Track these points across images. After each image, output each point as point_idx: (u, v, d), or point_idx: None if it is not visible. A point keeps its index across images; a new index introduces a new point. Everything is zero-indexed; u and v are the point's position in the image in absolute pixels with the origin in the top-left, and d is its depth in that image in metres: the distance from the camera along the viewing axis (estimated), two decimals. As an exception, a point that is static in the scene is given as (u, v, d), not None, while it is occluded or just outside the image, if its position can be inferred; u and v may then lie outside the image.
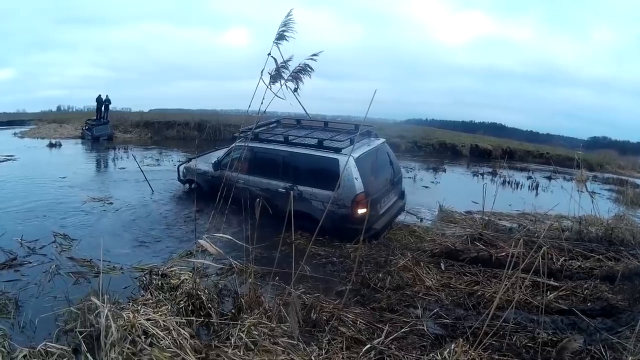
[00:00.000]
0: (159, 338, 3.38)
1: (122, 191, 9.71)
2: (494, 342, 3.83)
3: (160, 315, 3.71)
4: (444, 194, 9.63)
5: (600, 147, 28.71)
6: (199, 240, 3.86)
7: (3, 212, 7.80)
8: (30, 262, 5.65)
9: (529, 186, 13.55)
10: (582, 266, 5.75)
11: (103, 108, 21.41)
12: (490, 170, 16.04)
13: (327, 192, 6.37)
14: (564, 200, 7.65)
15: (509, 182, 13.62)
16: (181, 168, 9.40)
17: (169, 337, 3.42)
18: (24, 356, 3.30)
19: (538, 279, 4.87)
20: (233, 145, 7.29)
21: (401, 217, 7.92)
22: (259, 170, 7.25)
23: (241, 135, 6.93)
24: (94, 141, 19.04)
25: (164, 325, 3.55)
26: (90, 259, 5.64)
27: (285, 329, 3.77)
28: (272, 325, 3.81)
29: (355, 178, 6.34)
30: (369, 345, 3.71)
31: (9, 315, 4.27)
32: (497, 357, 3.67)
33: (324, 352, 3.62)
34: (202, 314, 4.10)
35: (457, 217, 8.56)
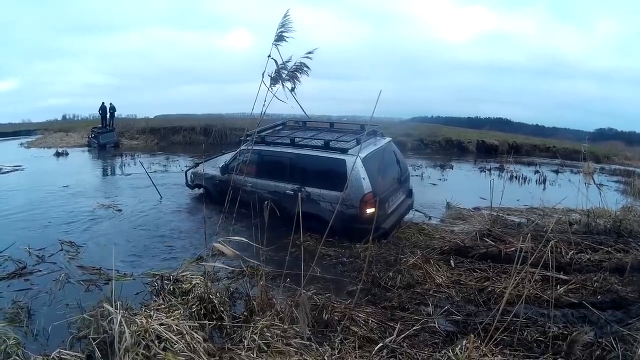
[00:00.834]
0: (172, 342, 3.39)
1: (130, 198, 9.79)
2: (505, 337, 3.83)
3: (173, 319, 3.73)
4: (451, 191, 9.64)
5: (607, 138, 28.64)
6: (214, 244, 3.86)
7: (12, 222, 7.90)
8: (40, 271, 5.70)
9: (536, 180, 13.51)
10: (591, 259, 5.73)
11: (108, 115, 21.56)
12: (497, 165, 16.02)
13: (335, 192, 6.39)
14: (572, 193, 7.62)
15: (516, 177, 13.61)
16: (189, 173, 9.46)
17: (183, 341, 3.44)
18: (38, 364, 3.33)
19: (547, 273, 4.87)
20: (240, 149, 7.32)
21: (410, 216, 7.92)
22: (266, 173, 7.28)
23: (247, 138, 6.97)
24: (101, 149, 19.18)
25: (177, 329, 3.56)
26: (100, 267, 5.68)
27: (298, 330, 3.77)
28: (284, 326, 3.82)
29: (363, 178, 6.34)
30: (381, 344, 3.72)
31: (21, 324, 4.30)
32: (508, 352, 3.66)
33: (336, 352, 3.63)
34: (214, 317, 4.11)
35: (466, 213, 8.56)
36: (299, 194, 6.15)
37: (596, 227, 6.83)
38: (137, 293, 4.92)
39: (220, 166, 8.07)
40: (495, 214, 7.77)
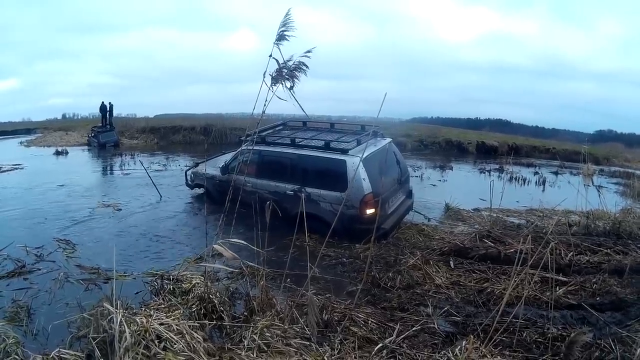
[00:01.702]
0: (172, 342, 3.39)
1: (130, 197, 9.78)
2: (504, 338, 3.84)
3: (173, 319, 3.73)
4: (451, 192, 9.62)
5: (606, 140, 28.67)
6: (214, 245, 3.87)
7: (12, 220, 7.92)
8: (39, 270, 5.71)
9: (535, 182, 13.51)
10: (591, 260, 5.74)
11: (107, 114, 21.52)
12: (497, 166, 16.02)
13: (335, 193, 6.40)
14: (571, 195, 7.64)
15: (515, 178, 13.59)
16: (189, 173, 9.47)
17: (182, 340, 3.44)
18: (38, 363, 3.33)
19: (547, 275, 4.88)
20: (240, 149, 7.32)
21: (409, 216, 7.92)
22: (266, 173, 7.29)
23: (247, 138, 6.96)
24: (101, 148, 19.13)
25: (177, 329, 3.56)
26: (98, 267, 5.69)
27: (298, 330, 3.79)
28: (284, 326, 3.83)
29: (363, 179, 6.34)
30: (380, 345, 3.72)
31: (21, 323, 4.31)
32: (507, 353, 3.68)
33: (336, 352, 3.64)
34: (214, 317, 4.12)
35: (465, 214, 8.57)
36: (300, 194, 6.15)
37: (595, 229, 6.84)
38: (137, 292, 4.93)
39: (221, 166, 8.07)
40: (494, 215, 7.77)
